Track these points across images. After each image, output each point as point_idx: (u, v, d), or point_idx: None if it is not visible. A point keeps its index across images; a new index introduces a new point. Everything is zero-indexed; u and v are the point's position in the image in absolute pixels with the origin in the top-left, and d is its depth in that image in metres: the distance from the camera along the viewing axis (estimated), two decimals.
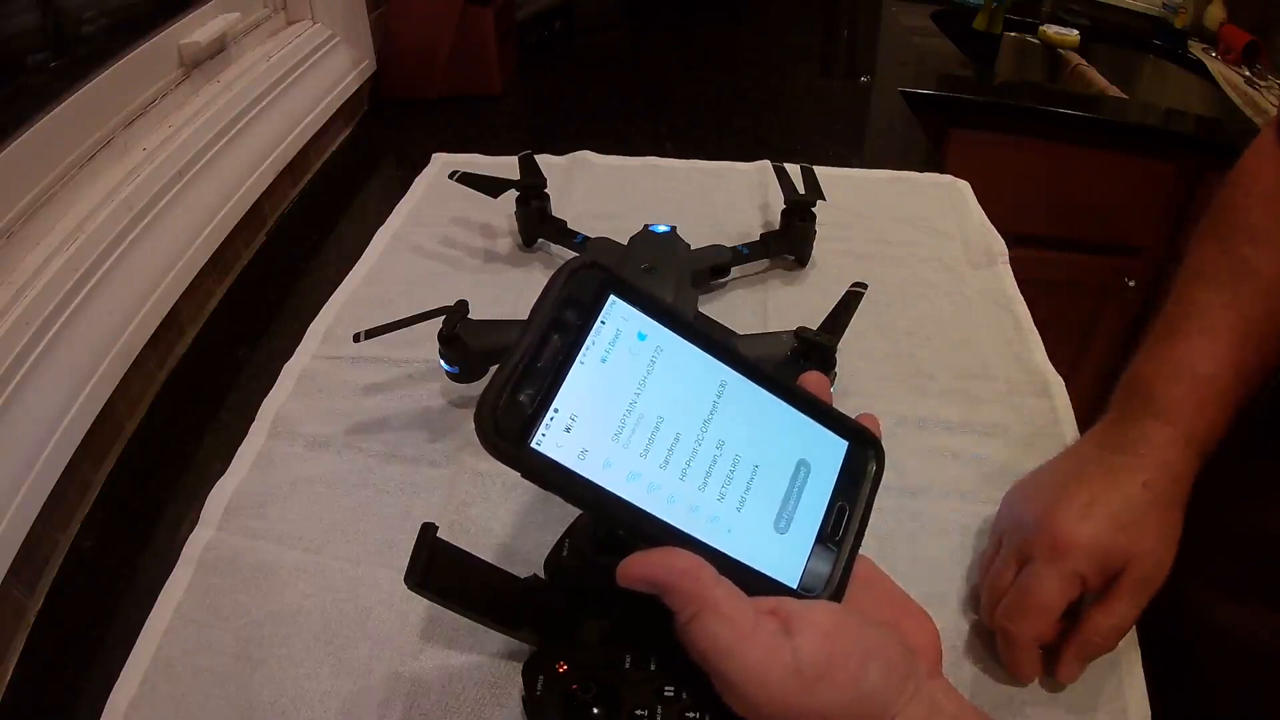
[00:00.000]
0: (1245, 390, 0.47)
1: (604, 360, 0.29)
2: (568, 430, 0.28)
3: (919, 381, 0.63)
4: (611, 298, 0.29)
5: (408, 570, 0.32)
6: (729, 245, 0.72)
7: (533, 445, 0.27)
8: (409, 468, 0.55)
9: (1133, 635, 0.45)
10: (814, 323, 0.57)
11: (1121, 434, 0.46)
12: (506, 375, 0.27)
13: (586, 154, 0.91)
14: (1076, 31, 1.61)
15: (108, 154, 0.67)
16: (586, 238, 0.73)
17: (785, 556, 0.32)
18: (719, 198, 0.85)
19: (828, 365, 0.57)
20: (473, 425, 0.27)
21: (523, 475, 0.28)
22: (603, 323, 0.29)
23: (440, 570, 0.33)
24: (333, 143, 1.00)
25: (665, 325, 0.30)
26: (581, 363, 0.28)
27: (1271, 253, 0.49)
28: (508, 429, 0.27)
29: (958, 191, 0.87)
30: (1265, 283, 0.48)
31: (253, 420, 0.58)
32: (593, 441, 0.28)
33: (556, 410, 0.28)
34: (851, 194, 0.85)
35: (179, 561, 0.49)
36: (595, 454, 0.28)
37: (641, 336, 0.30)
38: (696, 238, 0.70)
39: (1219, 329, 0.48)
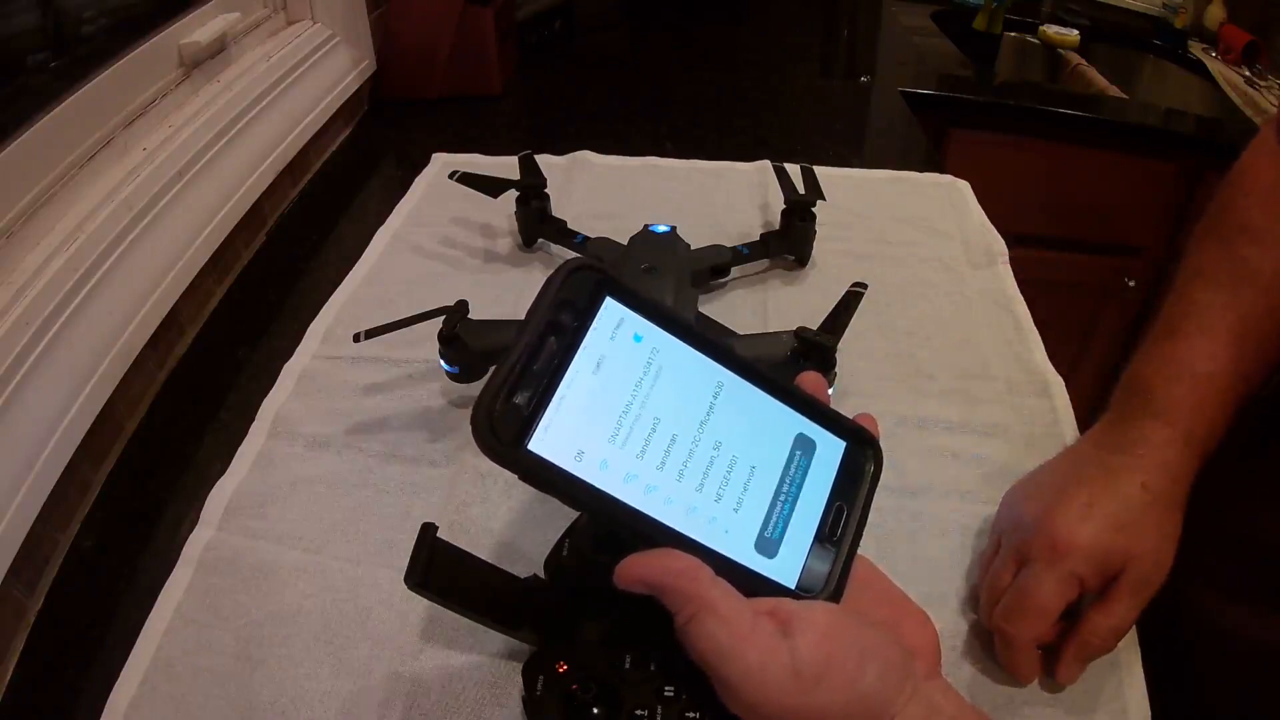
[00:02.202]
0: (1245, 390, 0.47)
1: (600, 362, 0.29)
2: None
3: (919, 381, 0.63)
4: (607, 299, 0.29)
5: (408, 570, 0.32)
6: (729, 245, 0.72)
7: (529, 448, 0.27)
8: (409, 468, 0.55)
9: (1133, 635, 0.45)
10: (814, 323, 0.57)
11: (1120, 434, 0.46)
12: (502, 378, 0.27)
13: (586, 154, 0.91)
14: (1076, 31, 1.61)
15: (108, 154, 0.67)
16: (586, 238, 0.73)
17: (783, 557, 0.32)
18: (719, 198, 0.85)
19: (828, 365, 0.57)
20: None
21: (520, 477, 0.28)
22: (598, 324, 0.29)
23: (440, 570, 0.33)
24: (333, 143, 1.00)
25: (661, 327, 0.30)
26: (577, 365, 0.28)
27: (1271, 252, 0.49)
28: (504, 432, 0.27)
29: (958, 191, 0.87)
30: (1265, 282, 0.48)
31: (253, 420, 0.58)
32: (589, 443, 0.28)
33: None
34: (851, 194, 0.85)
35: (179, 561, 0.49)
36: (592, 456, 0.28)
37: (637, 338, 0.30)
38: (696, 238, 0.70)
39: (1219, 328, 0.47)
